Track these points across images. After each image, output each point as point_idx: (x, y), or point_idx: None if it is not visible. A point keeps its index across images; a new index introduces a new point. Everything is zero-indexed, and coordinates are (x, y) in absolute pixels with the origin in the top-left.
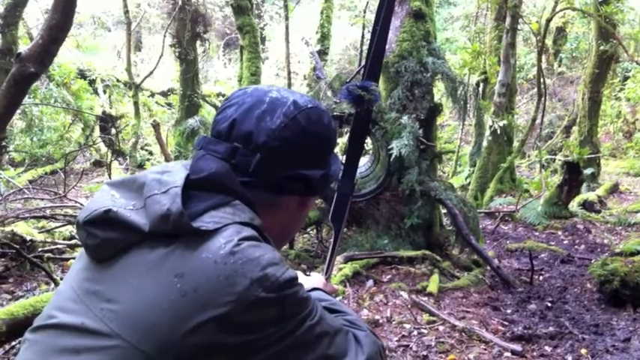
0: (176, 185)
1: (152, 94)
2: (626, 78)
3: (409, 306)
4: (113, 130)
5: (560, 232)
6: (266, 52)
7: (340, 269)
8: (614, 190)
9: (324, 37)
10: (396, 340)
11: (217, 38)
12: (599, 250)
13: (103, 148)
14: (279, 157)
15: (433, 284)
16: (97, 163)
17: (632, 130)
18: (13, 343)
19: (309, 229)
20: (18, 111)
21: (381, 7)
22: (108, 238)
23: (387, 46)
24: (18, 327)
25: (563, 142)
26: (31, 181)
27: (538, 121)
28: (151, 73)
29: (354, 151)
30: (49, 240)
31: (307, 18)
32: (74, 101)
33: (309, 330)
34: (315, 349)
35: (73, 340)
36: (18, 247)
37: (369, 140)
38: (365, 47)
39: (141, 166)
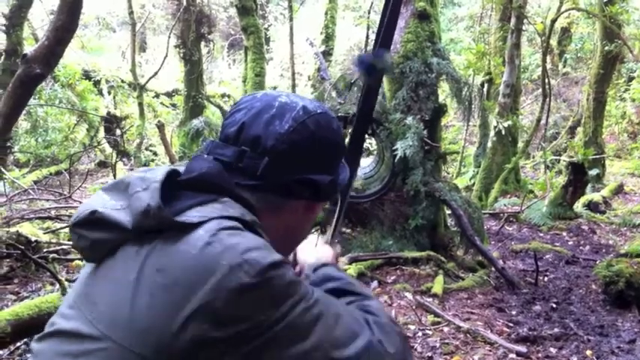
0: (156, 181)
1: (157, 95)
2: (631, 78)
3: (414, 307)
4: (118, 131)
5: (564, 233)
6: (270, 52)
7: (344, 270)
8: (619, 190)
9: (328, 38)
10: None
11: (222, 39)
12: (604, 251)
13: (108, 149)
14: (287, 161)
15: (438, 285)
16: (102, 164)
17: (637, 130)
18: (18, 343)
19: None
20: (23, 112)
21: None
22: (97, 239)
23: (391, 47)
24: (23, 328)
25: (568, 142)
26: (35, 182)
27: (543, 121)
28: (156, 73)
29: (364, 117)
30: (54, 241)
31: (311, 19)
32: (79, 102)
33: (303, 313)
34: (315, 332)
35: (71, 345)
36: (23, 247)
37: (373, 141)
38: (369, 48)
39: (145, 167)
